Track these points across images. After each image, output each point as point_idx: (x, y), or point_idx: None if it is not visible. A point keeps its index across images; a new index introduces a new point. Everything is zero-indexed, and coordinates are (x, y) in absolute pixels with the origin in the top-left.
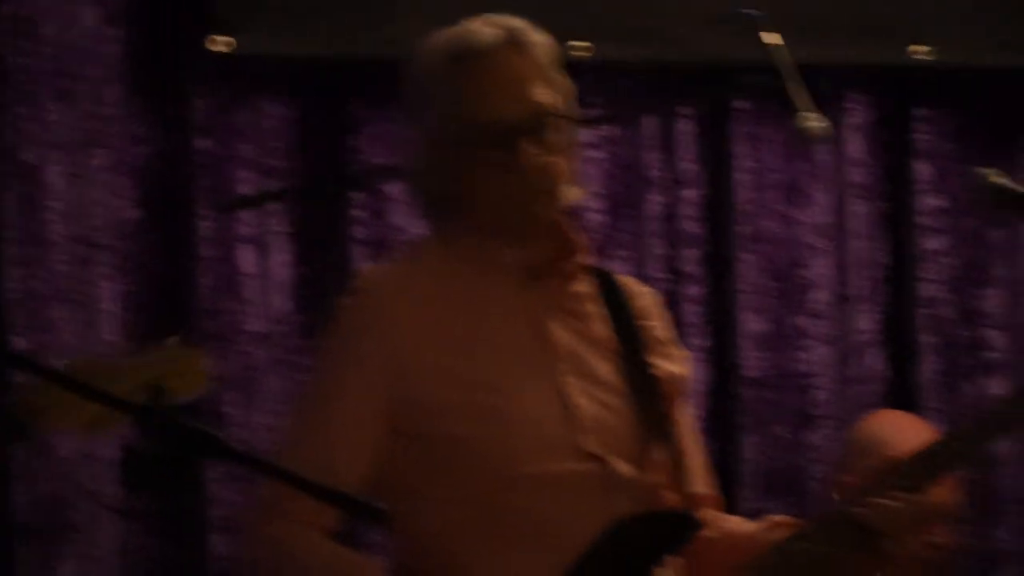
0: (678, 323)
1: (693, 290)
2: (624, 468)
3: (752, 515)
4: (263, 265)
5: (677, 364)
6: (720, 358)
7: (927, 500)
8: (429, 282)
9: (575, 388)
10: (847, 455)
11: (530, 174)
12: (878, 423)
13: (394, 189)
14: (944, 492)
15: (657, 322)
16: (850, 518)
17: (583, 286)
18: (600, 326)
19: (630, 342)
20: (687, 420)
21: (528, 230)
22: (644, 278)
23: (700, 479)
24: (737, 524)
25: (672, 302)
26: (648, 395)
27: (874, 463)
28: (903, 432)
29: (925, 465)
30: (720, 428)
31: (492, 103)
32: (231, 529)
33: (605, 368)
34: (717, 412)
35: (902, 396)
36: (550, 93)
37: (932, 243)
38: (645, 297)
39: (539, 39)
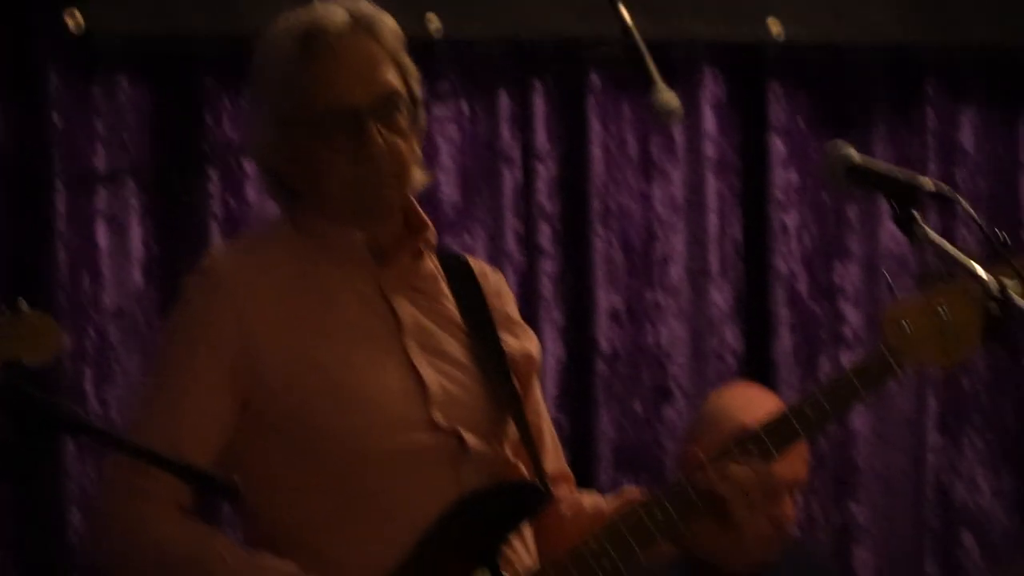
0: (533, 299)
1: (548, 266)
2: (476, 442)
3: (608, 490)
4: (119, 241)
5: (526, 342)
6: (576, 334)
7: (777, 470)
8: (278, 261)
9: (424, 364)
10: (696, 426)
11: (378, 158)
12: (728, 395)
13: (250, 166)
14: (792, 463)
15: (506, 301)
16: (701, 487)
17: (431, 266)
18: (449, 305)
19: (479, 320)
20: (537, 398)
21: (376, 212)
22: (499, 254)
23: (551, 456)
24: (589, 499)
25: (527, 278)
26: (497, 372)
27: (723, 434)
28: (752, 403)
29: (775, 435)
30: (576, 403)
31: (340, 87)
32: (87, 505)
33: (454, 345)
34: (573, 388)
35: (758, 371)
36: (398, 77)
37: (787, 218)
38: (493, 276)
39: (387, 22)
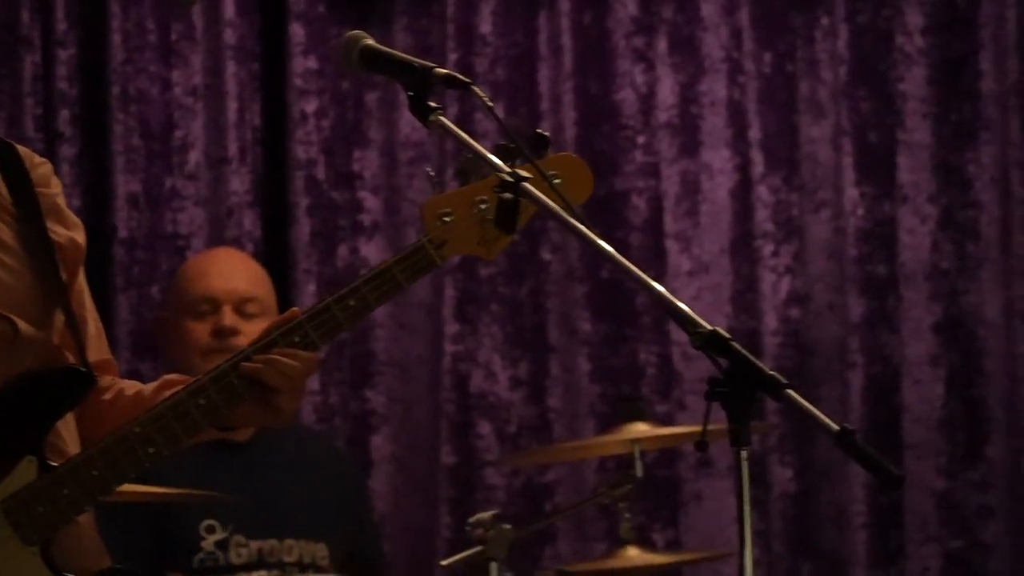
0: None
1: (67, 151)
2: (26, 328)
3: (127, 376)
4: None
5: (74, 232)
6: (95, 219)
7: (317, 358)
8: None
9: None
10: (168, 292)
11: None
12: (195, 263)
13: None
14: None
15: (55, 190)
16: (246, 375)
17: None
18: None
19: (28, 208)
20: (82, 287)
21: None
22: (19, 139)
23: (94, 344)
24: (131, 386)
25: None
26: (45, 260)
27: (188, 301)
28: (217, 270)
29: (319, 325)
30: (93, 289)
31: None
32: None
33: (5, 231)
34: (90, 273)
35: (277, 257)
36: None
37: (306, 105)
38: (43, 166)
39: None
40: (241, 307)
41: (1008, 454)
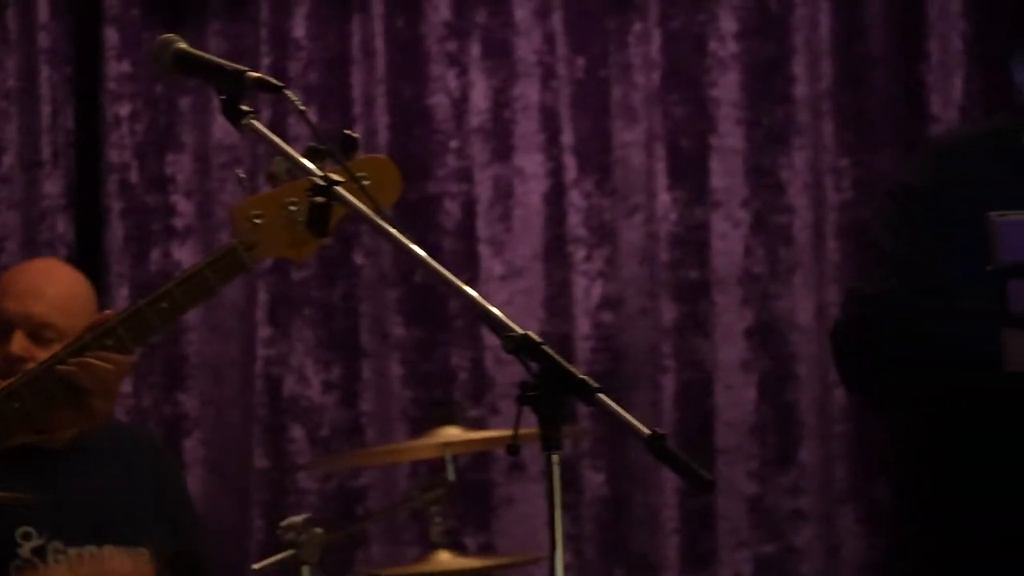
0: None
1: None
2: None
3: None
4: None
5: None
6: None
7: (131, 360)
8: None
9: None
10: None
11: None
12: (11, 275)
13: None
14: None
15: None
16: (61, 378)
17: None
18: None
19: None
20: None
21: None
22: None
23: None
24: None
25: None
26: None
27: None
28: (30, 288)
29: (132, 328)
30: None
31: None
32: None
33: None
34: None
35: (90, 261)
36: None
37: (120, 109)
38: None
39: None
40: (36, 332)
41: (819, 459)
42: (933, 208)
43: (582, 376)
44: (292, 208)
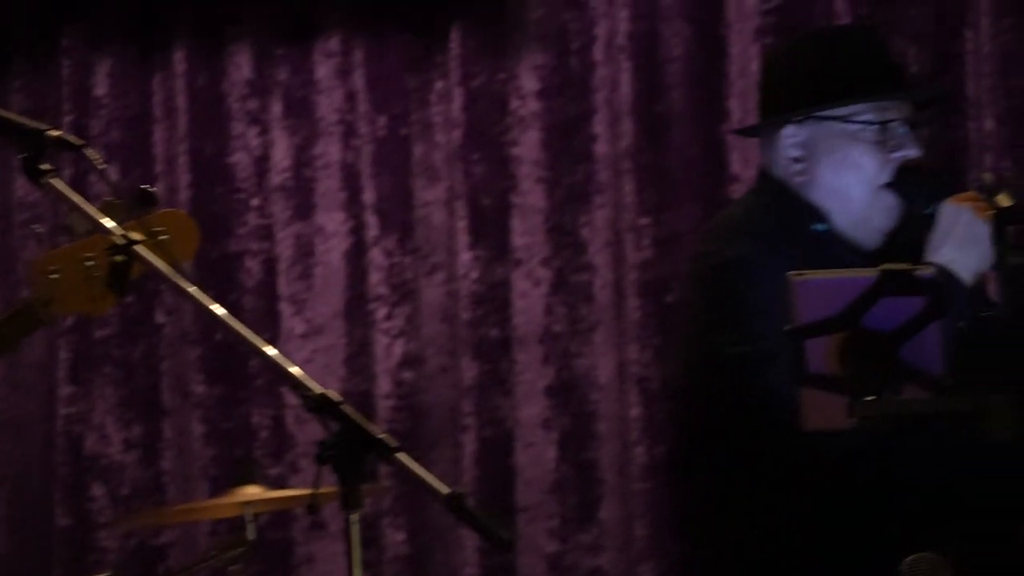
0: None
1: None
2: None
3: None
4: None
5: None
6: None
7: None
8: None
9: None
10: None
11: None
12: None
13: None
14: None
15: None
16: None
17: None
18: None
19: None
20: None
21: None
22: None
23: None
24: None
25: None
26: None
27: None
28: None
29: None
30: None
31: None
32: None
33: None
34: None
35: None
36: None
37: None
38: None
39: None
40: None
41: (620, 517)
42: (753, 277)
43: (381, 435)
44: (89, 264)
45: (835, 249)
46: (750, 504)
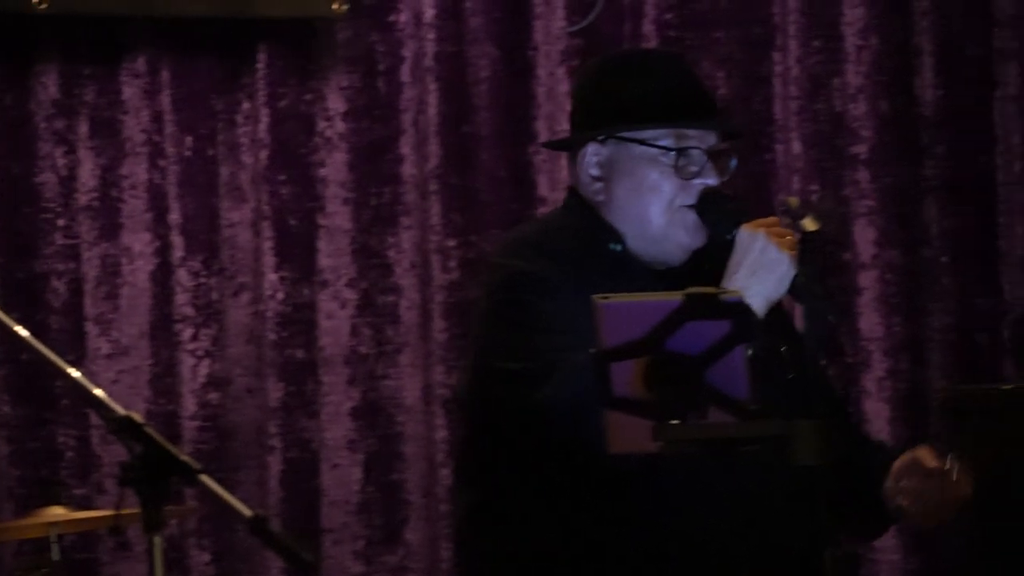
0: None
1: None
2: None
3: None
4: None
5: None
6: None
7: None
8: None
9: None
10: None
11: None
12: None
13: None
14: None
15: None
16: None
17: None
18: None
19: None
20: None
21: None
22: None
23: None
24: None
25: None
26: None
27: None
28: None
29: None
30: None
31: None
32: None
33: None
34: None
35: None
36: None
37: None
38: None
39: None
40: None
41: (426, 539)
42: (539, 292)
43: (184, 457)
44: None
45: (632, 269)
46: (516, 518)
